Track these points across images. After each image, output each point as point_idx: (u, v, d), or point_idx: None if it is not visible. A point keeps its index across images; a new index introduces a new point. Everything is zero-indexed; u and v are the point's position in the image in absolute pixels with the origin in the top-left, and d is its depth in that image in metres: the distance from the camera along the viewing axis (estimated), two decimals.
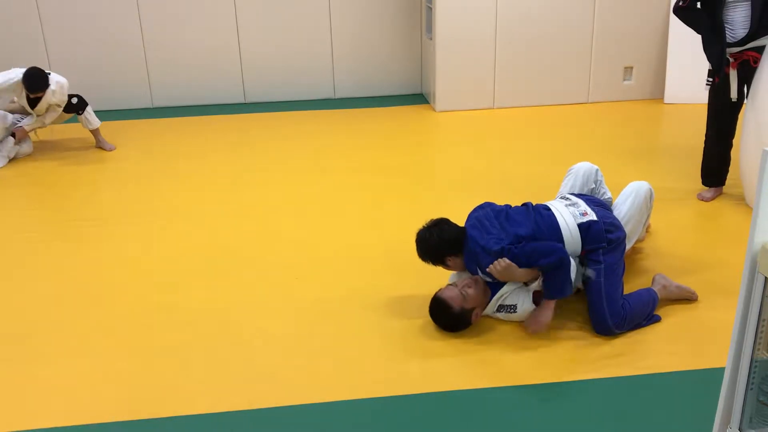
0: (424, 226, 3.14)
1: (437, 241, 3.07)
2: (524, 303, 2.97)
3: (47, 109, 5.43)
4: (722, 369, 1.72)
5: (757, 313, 1.59)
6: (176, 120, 6.53)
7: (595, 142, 5.50)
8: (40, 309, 3.35)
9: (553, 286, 2.89)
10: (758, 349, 1.61)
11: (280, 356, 2.90)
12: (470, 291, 2.95)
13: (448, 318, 2.96)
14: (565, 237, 2.98)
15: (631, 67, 6.60)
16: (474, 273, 3.04)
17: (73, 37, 6.60)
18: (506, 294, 2.99)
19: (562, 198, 3.23)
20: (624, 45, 6.49)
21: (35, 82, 5.23)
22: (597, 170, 3.46)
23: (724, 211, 4.14)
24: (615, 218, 3.17)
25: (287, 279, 3.54)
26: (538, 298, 2.95)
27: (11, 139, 5.39)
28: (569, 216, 3.04)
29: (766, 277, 1.55)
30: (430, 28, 6.55)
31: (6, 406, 2.65)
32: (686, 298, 3.16)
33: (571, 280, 2.90)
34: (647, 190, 3.37)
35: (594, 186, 3.44)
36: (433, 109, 6.60)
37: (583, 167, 3.46)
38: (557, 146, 5.41)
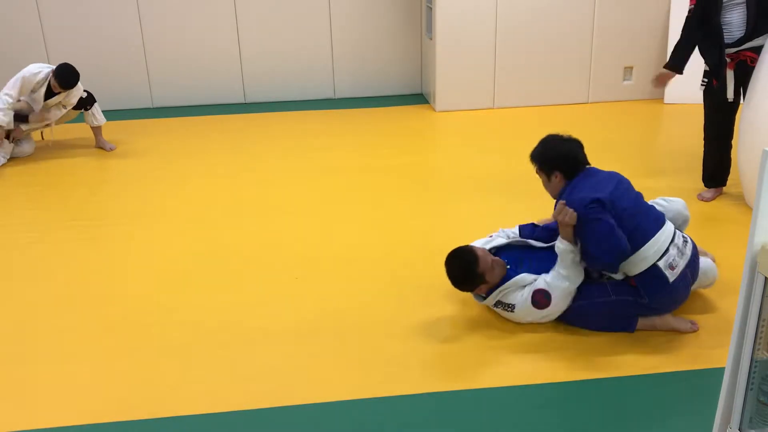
0: (559, 134, 3.09)
1: (566, 153, 3.00)
2: (523, 304, 2.95)
3: (53, 106, 5.45)
4: (722, 369, 1.72)
5: (757, 313, 1.59)
6: (176, 120, 6.53)
7: (595, 142, 5.47)
8: (41, 309, 3.35)
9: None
10: (758, 349, 1.61)
11: (281, 356, 2.90)
12: (497, 268, 2.96)
13: (466, 271, 2.93)
14: (637, 253, 2.80)
15: (631, 67, 6.60)
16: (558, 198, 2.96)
17: (73, 37, 6.60)
18: (508, 289, 2.98)
19: (683, 236, 2.97)
20: (624, 45, 6.49)
21: (71, 77, 5.29)
22: (687, 218, 3.25)
23: (724, 211, 4.14)
24: (684, 298, 2.95)
25: (287, 279, 3.54)
26: (538, 299, 2.94)
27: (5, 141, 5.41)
28: (662, 249, 2.81)
29: (766, 277, 1.56)
30: (430, 28, 6.55)
31: (6, 406, 2.65)
32: (680, 330, 2.96)
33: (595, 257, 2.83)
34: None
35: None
36: (433, 109, 6.60)
37: (677, 208, 3.22)
38: None
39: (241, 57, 6.90)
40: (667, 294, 2.84)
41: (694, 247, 2.97)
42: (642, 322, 2.94)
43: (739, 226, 3.92)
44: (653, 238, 2.82)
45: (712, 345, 2.86)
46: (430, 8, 6.43)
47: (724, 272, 3.40)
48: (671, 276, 2.81)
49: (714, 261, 3.30)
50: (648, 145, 5.50)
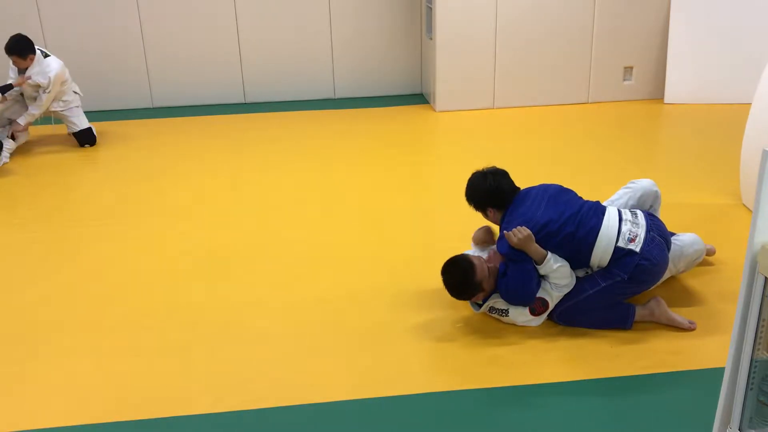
0: (481, 171, 3.22)
1: (489, 190, 3.15)
2: (516, 309, 2.96)
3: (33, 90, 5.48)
4: (722, 369, 1.72)
5: (757, 313, 1.59)
6: (176, 120, 6.53)
7: (595, 142, 5.50)
8: (40, 309, 3.35)
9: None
10: (758, 349, 1.62)
11: (280, 356, 2.90)
12: (493, 276, 2.97)
13: (463, 280, 2.94)
14: (595, 249, 2.92)
15: (631, 67, 6.60)
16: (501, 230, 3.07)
17: (74, 37, 6.60)
18: (497, 297, 3.00)
19: (631, 210, 3.07)
20: (624, 45, 6.49)
21: (15, 44, 5.27)
22: (657, 195, 3.29)
23: (724, 211, 4.14)
24: (662, 260, 2.97)
25: (287, 279, 3.54)
26: (536, 306, 2.95)
27: (8, 140, 5.43)
28: (614, 233, 2.90)
29: (766, 277, 1.56)
30: (430, 28, 6.55)
31: (6, 406, 2.66)
32: (679, 328, 2.98)
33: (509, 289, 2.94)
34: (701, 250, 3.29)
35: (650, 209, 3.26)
36: (433, 109, 6.60)
37: (644, 186, 3.28)
38: (557, 146, 5.41)
39: (241, 57, 6.90)
40: (644, 261, 2.89)
41: (648, 214, 3.07)
42: (640, 312, 2.97)
43: (739, 226, 3.92)
44: (601, 231, 2.92)
45: (712, 345, 2.86)
46: (430, 8, 6.43)
47: (724, 272, 3.40)
48: (636, 246, 2.89)
49: (713, 251, 3.33)
50: (648, 146, 5.49)
